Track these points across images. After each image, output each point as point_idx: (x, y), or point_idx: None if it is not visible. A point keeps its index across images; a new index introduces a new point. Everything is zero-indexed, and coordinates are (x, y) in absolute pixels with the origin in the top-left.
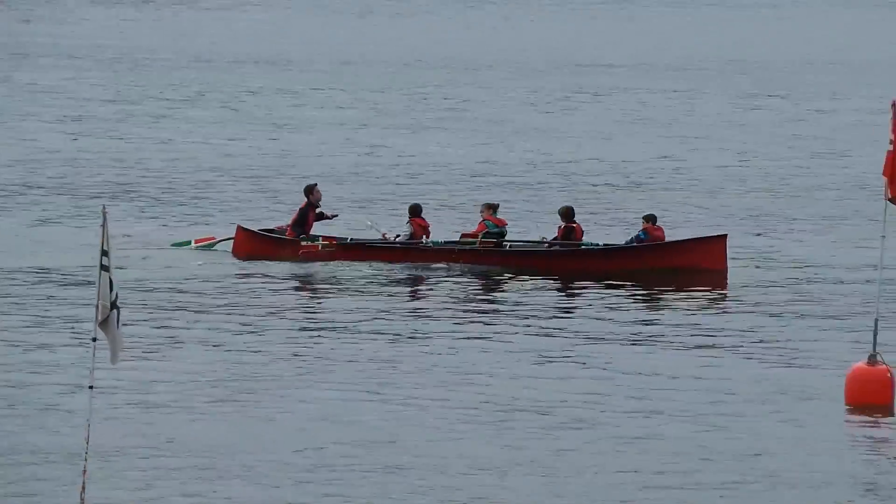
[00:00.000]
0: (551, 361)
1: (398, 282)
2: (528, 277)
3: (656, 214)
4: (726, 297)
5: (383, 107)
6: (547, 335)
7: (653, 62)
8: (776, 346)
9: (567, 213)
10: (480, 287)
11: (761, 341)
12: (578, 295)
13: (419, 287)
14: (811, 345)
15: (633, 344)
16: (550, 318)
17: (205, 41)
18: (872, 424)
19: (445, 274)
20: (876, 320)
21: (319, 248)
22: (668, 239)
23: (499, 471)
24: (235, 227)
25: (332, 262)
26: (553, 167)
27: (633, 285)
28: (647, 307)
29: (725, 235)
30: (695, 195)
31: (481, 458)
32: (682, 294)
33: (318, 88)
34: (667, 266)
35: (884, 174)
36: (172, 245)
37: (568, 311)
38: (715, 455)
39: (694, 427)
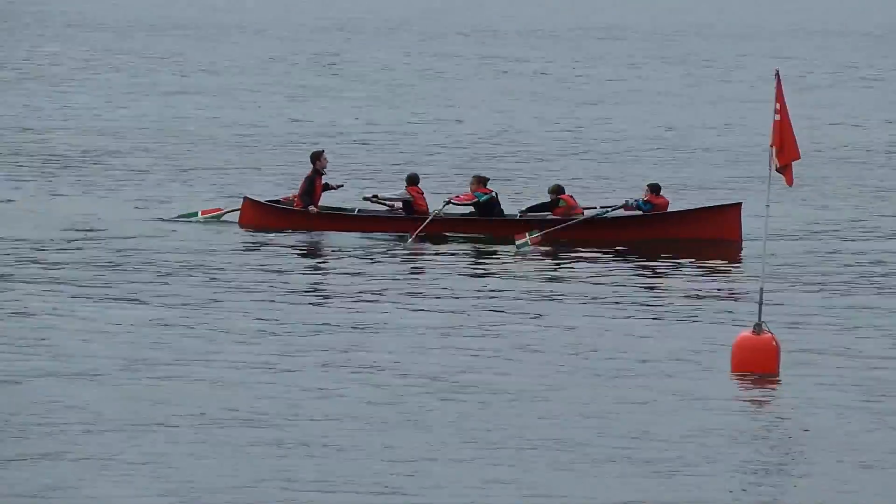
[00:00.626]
0: (551, 333)
1: (406, 253)
2: (534, 247)
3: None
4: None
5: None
6: (546, 306)
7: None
8: (665, 315)
9: (556, 190)
10: (487, 257)
11: (651, 314)
12: (583, 265)
13: (427, 258)
14: (698, 314)
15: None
16: (553, 288)
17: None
18: (758, 391)
19: (450, 245)
20: (761, 290)
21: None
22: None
23: (499, 449)
24: (242, 198)
25: (341, 233)
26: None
27: (637, 255)
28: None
29: (740, 203)
30: (591, 163)
31: (478, 434)
32: (691, 264)
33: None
34: (677, 236)
35: (771, 144)
36: (179, 216)
37: (571, 280)
38: (604, 420)
39: (589, 393)
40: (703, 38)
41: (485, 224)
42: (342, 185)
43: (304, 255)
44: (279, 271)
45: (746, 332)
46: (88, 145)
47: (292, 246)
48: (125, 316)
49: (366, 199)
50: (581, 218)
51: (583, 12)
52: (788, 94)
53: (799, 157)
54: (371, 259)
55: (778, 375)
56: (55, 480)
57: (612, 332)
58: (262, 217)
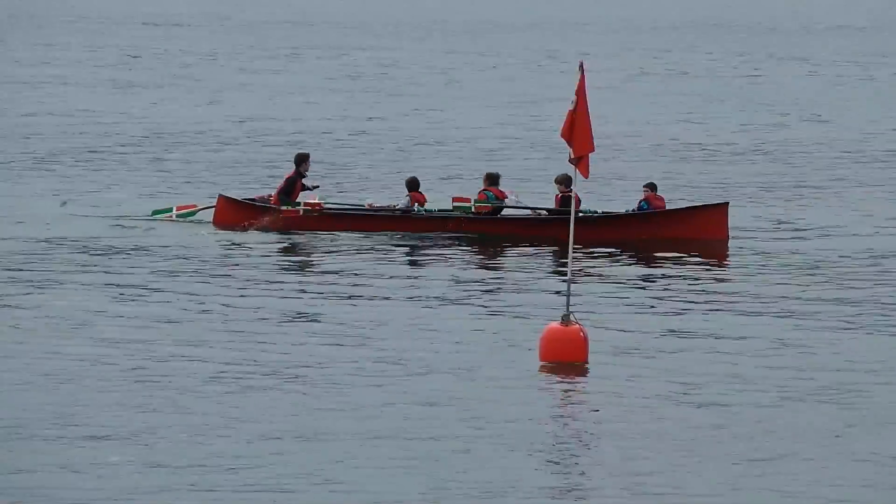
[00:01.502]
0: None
1: (384, 251)
2: (524, 245)
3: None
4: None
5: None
6: (539, 305)
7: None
8: (478, 309)
9: (565, 181)
10: (473, 256)
11: (465, 308)
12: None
13: (411, 256)
14: (507, 307)
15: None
16: (543, 288)
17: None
18: (566, 381)
19: (436, 243)
20: (569, 282)
21: (301, 212)
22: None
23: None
24: (217, 196)
25: (317, 231)
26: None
27: (628, 254)
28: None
29: (727, 203)
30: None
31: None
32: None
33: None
34: (664, 236)
35: (562, 136)
36: (153, 213)
37: (559, 280)
38: (410, 410)
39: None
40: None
41: (491, 223)
42: (318, 186)
43: (283, 254)
44: (258, 269)
45: (555, 324)
46: (60, 142)
47: (269, 244)
48: (98, 315)
49: (370, 206)
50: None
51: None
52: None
53: (593, 150)
54: (352, 256)
55: (586, 364)
56: (35, 482)
57: (420, 326)
58: (238, 215)
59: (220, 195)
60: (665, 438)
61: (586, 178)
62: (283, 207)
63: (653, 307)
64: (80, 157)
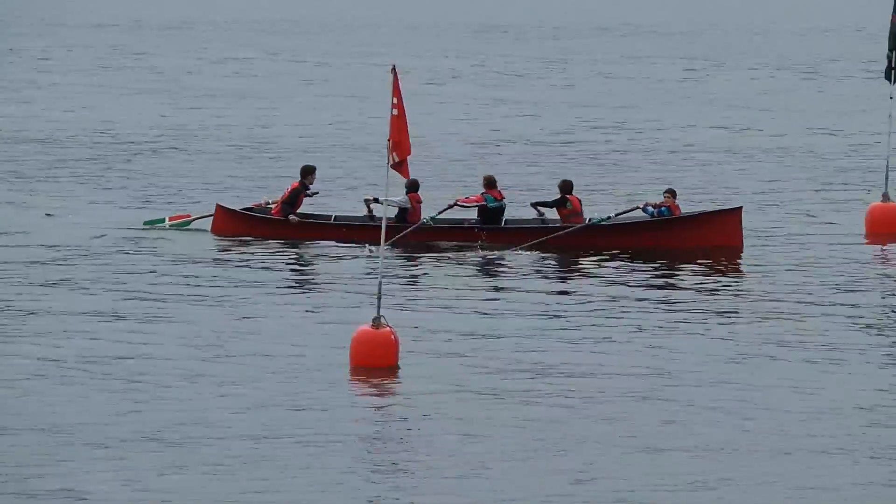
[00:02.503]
0: (550, 338)
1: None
2: (533, 254)
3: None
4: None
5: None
6: (547, 314)
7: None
8: (289, 313)
9: (566, 187)
10: (483, 265)
11: (276, 312)
12: (581, 272)
13: (423, 267)
14: (317, 311)
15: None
16: (552, 296)
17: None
18: (377, 384)
19: (447, 252)
20: (380, 283)
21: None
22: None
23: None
24: (214, 205)
25: (321, 241)
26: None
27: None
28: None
29: (741, 208)
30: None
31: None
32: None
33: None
34: (674, 245)
35: (390, 139)
36: (145, 223)
37: (564, 290)
38: (221, 419)
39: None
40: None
41: (473, 232)
42: (317, 192)
43: (285, 263)
44: (259, 280)
45: (365, 326)
46: (49, 150)
47: (272, 254)
48: (91, 328)
49: (367, 201)
50: (575, 227)
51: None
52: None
53: (410, 153)
54: (355, 267)
55: (397, 367)
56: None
57: (239, 332)
58: (236, 225)
59: (218, 204)
60: (474, 439)
61: (407, 178)
62: (292, 218)
63: (457, 308)
64: (65, 166)
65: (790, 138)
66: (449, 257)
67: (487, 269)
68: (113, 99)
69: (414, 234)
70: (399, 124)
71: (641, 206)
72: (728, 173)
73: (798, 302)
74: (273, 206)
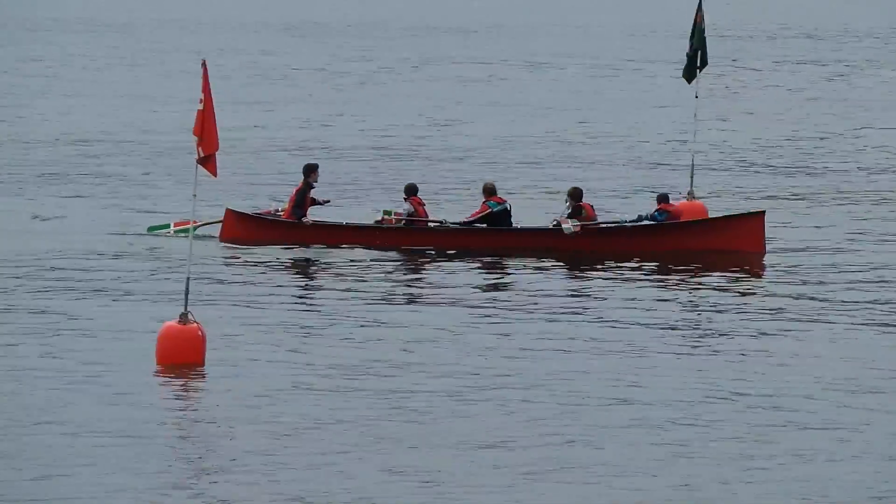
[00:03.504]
0: (559, 346)
1: (407, 265)
2: (547, 259)
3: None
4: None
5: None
6: (560, 320)
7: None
8: (90, 309)
9: (576, 194)
10: (497, 270)
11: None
12: (595, 277)
13: (431, 271)
14: (126, 307)
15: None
16: (566, 302)
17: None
18: (181, 382)
19: (456, 256)
20: (188, 279)
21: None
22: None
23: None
24: (224, 209)
25: (336, 246)
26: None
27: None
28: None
29: (763, 212)
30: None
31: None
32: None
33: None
34: (695, 248)
35: (194, 133)
36: (149, 230)
37: (582, 294)
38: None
39: None
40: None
41: (489, 235)
42: (328, 201)
43: (303, 269)
44: (278, 285)
45: (172, 322)
46: (47, 153)
47: (289, 259)
48: (101, 340)
49: (377, 222)
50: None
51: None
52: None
53: (217, 149)
54: (377, 271)
55: (203, 365)
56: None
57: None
58: (248, 230)
59: (228, 209)
60: (283, 437)
61: (215, 177)
62: (306, 220)
63: (272, 306)
64: (61, 171)
65: (602, 136)
66: (268, 254)
67: (311, 267)
68: (114, 101)
69: (427, 237)
70: (206, 119)
71: (639, 217)
72: (545, 173)
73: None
74: (282, 213)
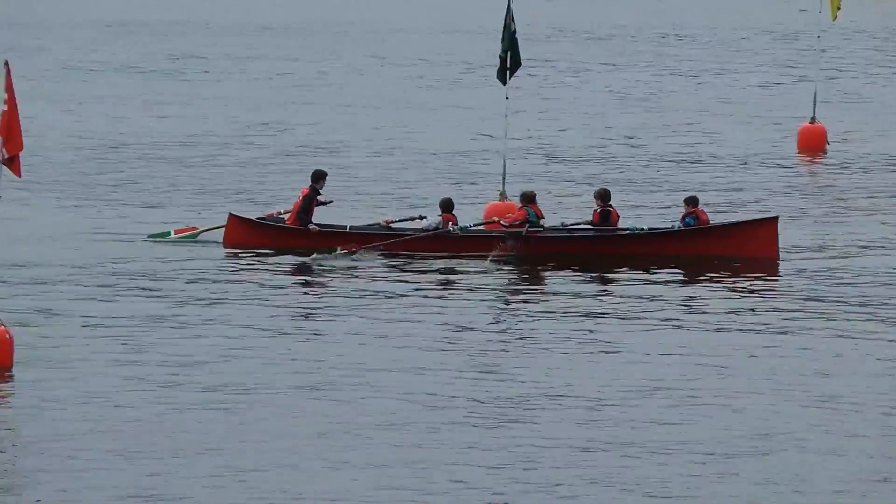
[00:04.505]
0: (578, 351)
1: (417, 269)
2: (564, 264)
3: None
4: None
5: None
6: (577, 324)
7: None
8: None
9: (604, 195)
10: (515, 275)
11: None
12: (613, 282)
13: (450, 277)
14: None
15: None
16: (584, 306)
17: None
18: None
19: (477, 262)
20: None
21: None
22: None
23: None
24: (227, 215)
25: (344, 254)
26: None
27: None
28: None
29: (777, 217)
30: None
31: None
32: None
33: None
34: (710, 253)
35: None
36: (149, 237)
37: (600, 299)
38: None
39: None
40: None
41: (498, 242)
42: (331, 201)
43: (308, 275)
44: (281, 292)
45: None
46: (47, 157)
47: (293, 265)
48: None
49: (387, 222)
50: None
51: None
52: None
53: (22, 149)
54: (385, 275)
55: (11, 369)
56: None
57: None
58: (252, 235)
59: (231, 214)
60: (92, 439)
61: (20, 177)
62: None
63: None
64: (56, 176)
65: (414, 138)
66: (270, 259)
67: (312, 273)
68: (112, 105)
69: (438, 244)
70: (9, 119)
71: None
72: (354, 175)
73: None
74: (286, 216)
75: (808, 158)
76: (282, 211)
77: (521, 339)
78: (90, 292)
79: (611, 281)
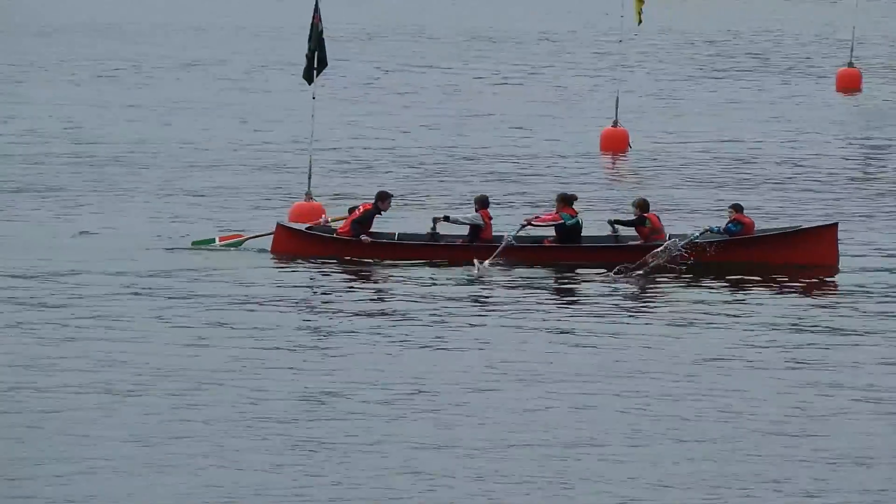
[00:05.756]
0: (628, 359)
1: (475, 281)
2: (608, 272)
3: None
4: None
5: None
6: (627, 334)
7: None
8: None
9: (642, 205)
10: (558, 282)
11: None
12: (662, 292)
13: (493, 286)
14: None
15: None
16: (632, 316)
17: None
18: None
19: (522, 271)
20: None
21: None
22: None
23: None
24: (275, 223)
25: (394, 262)
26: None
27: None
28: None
29: (836, 224)
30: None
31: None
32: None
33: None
34: (766, 261)
35: None
36: (193, 244)
37: (648, 309)
38: None
39: None
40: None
41: (564, 251)
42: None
43: (362, 286)
44: (334, 302)
45: None
46: (79, 161)
47: (346, 276)
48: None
49: (436, 220)
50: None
51: None
52: None
53: None
54: (440, 289)
55: None
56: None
57: None
58: (300, 245)
59: (279, 223)
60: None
61: None
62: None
63: None
64: (92, 179)
65: (219, 139)
66: (318, 269)
67: (362, 282)
68: (151, 111)
69: (486, 254)
70: None
71: (707, 229)
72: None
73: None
74: (340, 222)
75: (610, 160)
76: (329, 219)
77: (558, 346)
78: (131, 300)
79: (665, 290)
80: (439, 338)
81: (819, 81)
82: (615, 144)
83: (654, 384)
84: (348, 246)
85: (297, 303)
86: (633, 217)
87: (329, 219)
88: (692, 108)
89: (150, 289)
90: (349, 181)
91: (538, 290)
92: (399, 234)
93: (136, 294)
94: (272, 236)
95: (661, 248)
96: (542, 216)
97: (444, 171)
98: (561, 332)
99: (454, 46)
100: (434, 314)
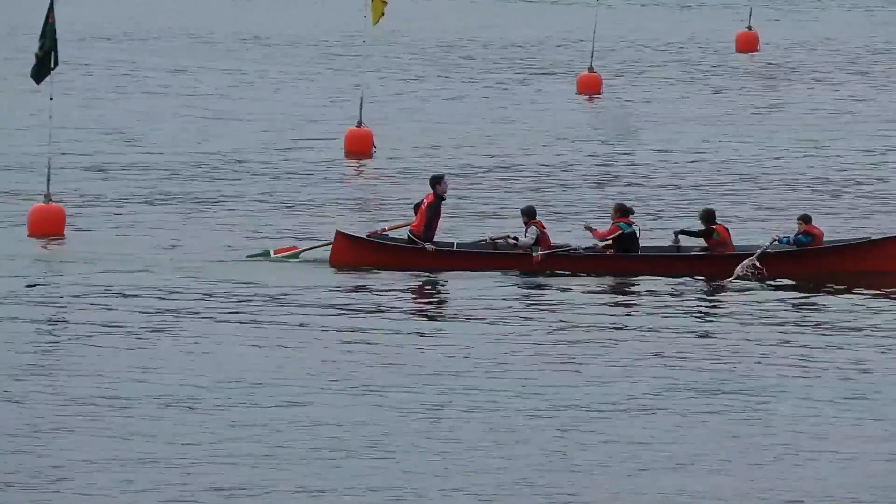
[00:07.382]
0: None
1: (535, 292)
2: (676, 282)
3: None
4: None
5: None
6: (694, 344)
7: None
8: None
9: (708, 216)
10: (630, 293)
11: None
12: (729, 302)
13: (553, 296)
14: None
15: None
16: (697, 327)
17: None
18: None
19: (588, 283)
20: None
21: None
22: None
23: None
24: (334, 232)
25: (459, 271)
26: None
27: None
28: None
29: None
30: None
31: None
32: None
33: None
34: (835, 270)
35: None
36: (248, 257)
37: (713, 319)
38: None
39: None
40: None
41: (624, 260)
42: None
43: (430, 297)
44: (399, 312)
45: None
46: (143, 175)
47: (412, 286)
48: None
49: (492, 239)
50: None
51: None
52: None
53: None
54: (505, 300)
55: None
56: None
57: None
58: (362, 254)
59: (338, 231)
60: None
61: None
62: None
63: None
64: (141, 193)
65: None
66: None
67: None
68: (205, 120)
69: (559, 262)
70: None
71: (777, 238)
72: None
73: None
74: (397, 231)
75: (355, 161)
76: (387, 228)
77: (625, 355)
78: (183, 315)
79: (733, 301)
80: (501, 346)
81: (559, 84)
82: (359, 145)
83: (724, 399)
84: (413, 255)
85: (366, 315)
86: (702, 228)
87: (387, 227)
88: (437, 109)
89: (212, 298)
90: (90, 183)
91: (605, 298)
92: (456, 243)
93: (190, 308)
94: (331, 246)
95: (741, 265)
96: (599, 231)
97: (193, 175)
98: (632, 342)
99: (209, 48)
100: (494, 323)
